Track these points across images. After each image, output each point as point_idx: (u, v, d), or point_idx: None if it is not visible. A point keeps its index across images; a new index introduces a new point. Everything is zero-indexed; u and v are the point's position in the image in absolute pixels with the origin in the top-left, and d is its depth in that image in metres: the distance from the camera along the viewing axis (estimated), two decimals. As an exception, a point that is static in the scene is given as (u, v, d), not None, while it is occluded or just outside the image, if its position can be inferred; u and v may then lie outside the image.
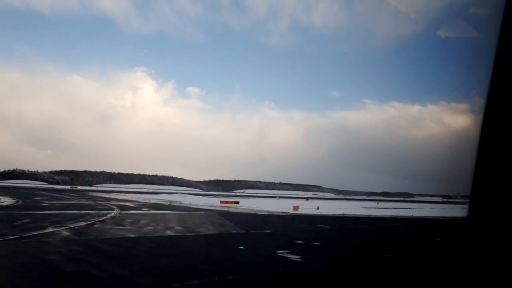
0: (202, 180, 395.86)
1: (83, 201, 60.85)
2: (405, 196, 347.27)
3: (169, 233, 23.40)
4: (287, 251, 17.04)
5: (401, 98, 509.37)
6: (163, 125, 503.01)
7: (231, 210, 56.00)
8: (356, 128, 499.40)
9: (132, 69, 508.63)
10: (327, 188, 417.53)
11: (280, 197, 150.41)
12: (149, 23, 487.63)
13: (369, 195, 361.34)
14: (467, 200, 2.45)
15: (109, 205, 53.06)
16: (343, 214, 58.33)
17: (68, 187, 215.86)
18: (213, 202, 76.53)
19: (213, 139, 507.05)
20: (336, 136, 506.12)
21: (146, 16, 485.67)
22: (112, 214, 35.61)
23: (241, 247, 18.30)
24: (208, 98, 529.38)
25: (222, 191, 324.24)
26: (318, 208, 73.26)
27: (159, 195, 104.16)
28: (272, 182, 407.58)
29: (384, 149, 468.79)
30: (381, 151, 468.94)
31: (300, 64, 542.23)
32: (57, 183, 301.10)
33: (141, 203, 62.97)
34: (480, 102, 2.46)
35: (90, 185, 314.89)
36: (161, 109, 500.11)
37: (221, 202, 75.12)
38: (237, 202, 75.66)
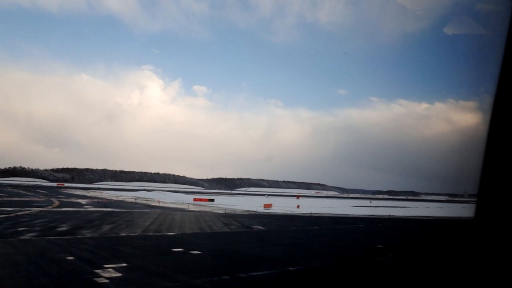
0: (205, 178, 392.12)
1: (34, 198, 56.42)
2: (411, 195, 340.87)
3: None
4: (112, 265, 11.59)
5: (408, 96, 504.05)
6: (170, 123, 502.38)
7: (190, 208, 50.77)
8: (363, 126, 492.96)
9: (139, 68, 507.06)
10: (332, 187, 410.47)
11: (269, 195, 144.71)
12: (156, 21, 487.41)
13: (375, 194, 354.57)
14: (474, 199, 2.40)
15: (57, 202, 49.00)
16: (318, 213, 52.61)
17: (67, 184, 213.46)
18: (185, 200, 71.37)
19: (219, 138, 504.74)
20: (342, 134, 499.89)
21: (152, 15, 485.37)
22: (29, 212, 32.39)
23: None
24: (215, 97, 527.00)
25: (225, 189, 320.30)
26: (298, 207, 67.82)
27: (137, 192, 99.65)
28: (275, 181, 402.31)
29: (391, 148, 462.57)
30: (387, 150, 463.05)
31: (307, 62, 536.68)
32: (58, 180, 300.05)
33: (100, 201, 58.14)
34: (488, 99, 2.46)
35: (91, 182, 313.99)
36: (167, 108, 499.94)
37: (195, 199, 69.86)
38: (212, 200, 70.33)
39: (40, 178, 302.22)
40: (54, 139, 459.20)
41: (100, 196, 73.59)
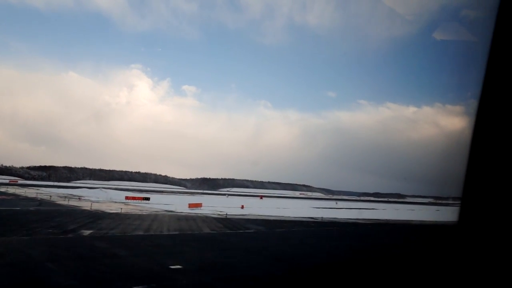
0: (188, 178, 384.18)
1: None
2: (396, 197, 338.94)
3: None
4: None
5: (396, 99, 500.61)
6: (158, 123, 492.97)
7: (103, 209, 43.90)
8: (351, 128, 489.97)
9: (128, 67, 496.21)
10: (318, 188, 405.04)
11: (229, 195, 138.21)
12: (145, 20, 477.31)
13: (360, 196, 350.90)
14: (458, 202, 2.46)
15: None
16: (250, 214, 46.14)
17: (29, 182, 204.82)
18: (115, 197, 64.50)
19: (208, 138, 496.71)
20: (331, 136, 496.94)
21: (141, 14, 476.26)
22: None
23: None
24: (204, 97, 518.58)
25: (208, 190, 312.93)
26: (242, 207, 61.48)
27: (77, 189, 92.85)
28: (260, 181, 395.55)
29: (379, 150, 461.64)
30: (375, 152, 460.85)
31: (296, 64, 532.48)
32: (33, 178, 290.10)
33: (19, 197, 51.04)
34: (475, 104, 2.51)
35: (69, 181, 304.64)
36: (156, 107, 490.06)
37: (126, 197, 62.88)
38: (147, 199, 63.39)
39: (14, 176, 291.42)
40: (40, 137, 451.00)
41: (23, 194, 66.30)
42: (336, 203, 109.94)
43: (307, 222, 40.17)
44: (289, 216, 46.14)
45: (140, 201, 61.36)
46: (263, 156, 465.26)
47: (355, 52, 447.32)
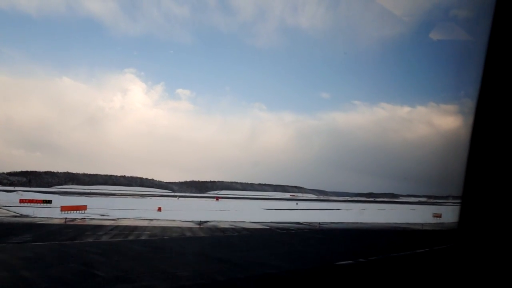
0: (176, 181, 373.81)
1: None
2: (390, 197, 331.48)
3: None
4: None
5: (390, 99, 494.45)
6: (152, 127, 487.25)
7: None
8: (346, 129, 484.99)
9: (121, 71, 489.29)
10: (310, 189, 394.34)
11: (180, 197, 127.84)
12: (137, 25, 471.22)
13: (353, 196, 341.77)
14: (457, 201, 2.49)
15: None
16: (148, 220, 35.67)
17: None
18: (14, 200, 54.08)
19: (203, 141, 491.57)
20: (326, 137, 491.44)
21: (133, 18, 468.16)
22: None
23: None
24: (198, 100, 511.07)
25: (196, 192, 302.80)
26: (159, 210, 51.31)
27: None
28: (249, 183, 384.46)
29: (374, 150, 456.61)
30: (370, 152, 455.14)
31: (290, 66, 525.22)
32: (12, 184, 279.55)
33: None
34: (468, 103, 2.52)
35: (50, 186, 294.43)
36: (150, 111, 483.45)
37: (21, 201, 52.34)
38: (48, 201, 52.91)
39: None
40: (34, 143, 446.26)
41: None
42: (297, 203, 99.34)
43: (210, 228, 29.79)
44: (199, 221, 35.71)
45: (39, 204, 50.93)
46: (258, 158, 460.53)
47: (348, 53, 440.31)
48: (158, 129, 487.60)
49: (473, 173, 2.36)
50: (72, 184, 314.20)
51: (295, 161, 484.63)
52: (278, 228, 30.82)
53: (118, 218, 37.30)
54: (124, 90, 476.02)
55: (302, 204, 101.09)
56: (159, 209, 53.32)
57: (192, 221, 35.57)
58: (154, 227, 29.60)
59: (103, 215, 41.18)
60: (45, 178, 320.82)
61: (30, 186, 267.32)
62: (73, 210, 42.53)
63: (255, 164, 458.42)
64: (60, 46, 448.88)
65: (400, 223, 40.59)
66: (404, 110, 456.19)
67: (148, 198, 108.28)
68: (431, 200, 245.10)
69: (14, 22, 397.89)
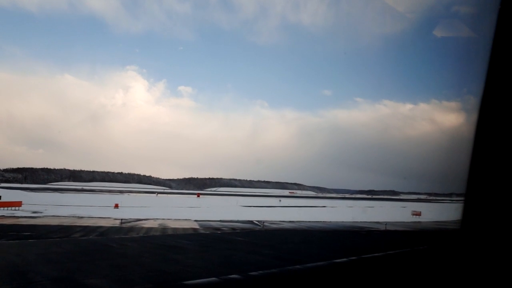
0: (174, 178, 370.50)
1: None
2: (391, 194, 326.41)
3: None
4: None
5: (393, 96, 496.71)
6: (154, 124, 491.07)
7: None
8: (348, 126, 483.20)
9: (123, 68, 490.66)
10: (310, 186, 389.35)
11: (158, 193, 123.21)
12: (139, 22, 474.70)
13: (354, 193, 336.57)
14: (461, 199, 2.43)
15: None
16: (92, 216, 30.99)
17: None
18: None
19: (204, 138, 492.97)
20: (328, 134, 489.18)
21: (135, 16, 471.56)
22: None
23: None
24: (200, 97, 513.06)
25: (195, 189, 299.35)
26: (116, 207, 46.95)
27: None
28: (249, 180, 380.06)
29: (376, 148, 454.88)
30: (372, 150, 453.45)
31: (291, 63, 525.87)
32: (7, 181, 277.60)
33: None
34: (471, 100, 2.52)
35: (46, 183, 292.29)
36: (152, 108, 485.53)
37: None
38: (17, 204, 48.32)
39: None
40: (37, 140, 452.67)
41: None
42: (280, 200, 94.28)
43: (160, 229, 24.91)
44: (121, 219, 30.87)
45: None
46: (260, 155, 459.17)
47: (350, 50, 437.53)
48: (159, 126, 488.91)
49: (476, 171, 2.34)
50: (69, 181, 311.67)
51: (297, 158, 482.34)
52: (211, 228, 25.95)
53: (45, 216, 32.76)
54: (126, 87, 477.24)
55: (289, 201, 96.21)
56: (116, 206, 48.81)
57: (121, 219, 30.81)
58: (55, 225, 24.83)
59: (35, 212, 36.79)
60: (42, 175, 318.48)
61: (26, 183, 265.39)
62: (5, 206, 38.12)
63: (258, 161, 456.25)
64: (62, 44, 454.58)
65: (368, 222, 35.59)
66: (407, 107, 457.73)
67: (125, 195, 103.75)
68: (431, 198, 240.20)
69: (15, 19, 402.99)
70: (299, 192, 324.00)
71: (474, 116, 2.38)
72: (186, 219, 32.87)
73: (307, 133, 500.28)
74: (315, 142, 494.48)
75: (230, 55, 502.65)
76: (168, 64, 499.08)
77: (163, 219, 32.90)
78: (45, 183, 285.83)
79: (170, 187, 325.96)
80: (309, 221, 35.31)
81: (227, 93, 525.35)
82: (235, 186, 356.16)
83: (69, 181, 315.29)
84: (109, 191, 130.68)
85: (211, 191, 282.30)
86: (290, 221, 34.22)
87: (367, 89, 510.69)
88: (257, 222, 32.13)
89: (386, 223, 32.60)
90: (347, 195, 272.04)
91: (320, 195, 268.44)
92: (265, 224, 30.78)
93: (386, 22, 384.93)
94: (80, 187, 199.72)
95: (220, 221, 32.55)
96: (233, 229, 26.13)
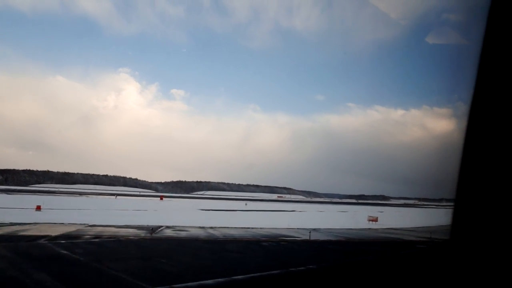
0: (161, 181, 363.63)
1: None
2: (381, 199, 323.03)
3: None
4: None
5: (385, 102, 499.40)
6: (146, 127, 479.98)
7: None
8: (340, 131, 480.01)
9: (115, 71, 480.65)
10: (299, 191, 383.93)
11: (117, 195, 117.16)
12: (132, 25, 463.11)
13: (343, 198, 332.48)
14: (451, 204, 2.44)
15: None
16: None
17: None
18: None
19: (196, 141, 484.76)
20: (320, 139, 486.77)
21: (128, 18, 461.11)
22: None
23: None
24: (192, 100, 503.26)
25: (182, 193, 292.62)
26: (38, 209, 41.29)
27: None
28: (237, 184, 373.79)
29: (367, 153, 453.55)
30: (364, 155, 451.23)
31: (284, 68, 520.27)
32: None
33: None
34: (462, 106, 2.50)
35: (28, 185, 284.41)
36: (144, 111, 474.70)
37: None
38: None
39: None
40: (27, 142, 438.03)
41: None
42: (246, 204, 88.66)
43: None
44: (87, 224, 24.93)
45: None
46: (252, 159, 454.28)
47: (343, 55, 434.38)
48: (151, 129, 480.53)
49: (466, 176, 2.34)
50: (51, 183, 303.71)
51: (288, 163, 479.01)
52: (74, 236, 20.22)
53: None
54: (118, 89, 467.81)
55: (257, 205, 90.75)
56: (38, 208, 43.02)
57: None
58: None
59: None
60: (23, 177, 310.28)
61: (7, 185, 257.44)
62: None
63: (250, 165, 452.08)
64: (54, 45, 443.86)
65: (301, 228, 30.04)
66: (398, 113, 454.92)
67: (83, 197, 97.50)
68: (420, 203, 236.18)
69: (8, 20, 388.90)
70: (287, 197, 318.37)
71: (464, 122, 2.35)
72: (73, 223, 26.98)
73: (299, 137, 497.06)
74: (307, 147, 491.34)
75: (223, 58, 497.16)
76: (161, 67, 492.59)
77: (51, 223, 27.05)
78: (26, 185, 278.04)
79: (157, 190, 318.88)
80: (234, 227, 29.59)
81: (220, 97, 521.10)
82: (223, 189, 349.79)
83: (51, 183, 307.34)
84: (70, 193, 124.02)
85: (195, 194, 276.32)
86: (210, 227, 28.50)
87: (359, 94, 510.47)
88: (160, 229, 26.31)
89: (310, 231, 26.85)
90: (335, 200, 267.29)
91: (307, 199, 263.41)
92: (164, 230, 24.98)
93: (379, 28, 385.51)
94: (46, 189, 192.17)
95: (116, 226, 26.71)
96: (96, 236, 20.28)
